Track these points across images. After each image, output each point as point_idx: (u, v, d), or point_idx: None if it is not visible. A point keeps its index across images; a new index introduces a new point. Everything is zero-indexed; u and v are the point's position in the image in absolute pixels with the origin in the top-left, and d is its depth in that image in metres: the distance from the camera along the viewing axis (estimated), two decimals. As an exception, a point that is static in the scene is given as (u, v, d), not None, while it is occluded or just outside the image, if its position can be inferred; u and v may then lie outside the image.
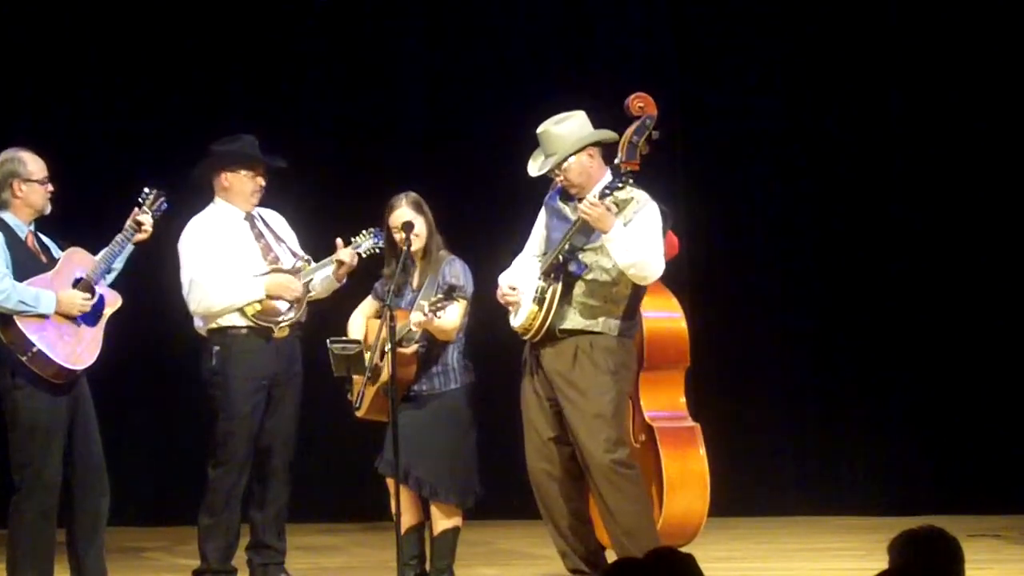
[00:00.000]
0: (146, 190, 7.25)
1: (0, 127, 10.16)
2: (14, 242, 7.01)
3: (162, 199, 7.25)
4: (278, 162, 7.71)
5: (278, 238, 7.70)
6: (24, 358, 6.88)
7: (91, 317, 7.03)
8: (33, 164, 7.08)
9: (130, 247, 7.18)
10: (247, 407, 7.48)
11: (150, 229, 7.19)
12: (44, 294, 6.93)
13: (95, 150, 10.18)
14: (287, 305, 7.50)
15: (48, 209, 7.11)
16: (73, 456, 7.04)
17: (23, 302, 6.89)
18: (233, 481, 7.51)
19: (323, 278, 7.62)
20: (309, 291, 7.59)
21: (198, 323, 7.59)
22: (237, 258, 7.51)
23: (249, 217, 7.64)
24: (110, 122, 10.03)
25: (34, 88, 10.26)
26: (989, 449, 9.76)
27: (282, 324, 7.50)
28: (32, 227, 7.10)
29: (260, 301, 7.46)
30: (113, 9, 10.26)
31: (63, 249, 7.16)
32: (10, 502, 7.04)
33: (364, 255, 7.56)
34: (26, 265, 6.99)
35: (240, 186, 7.61)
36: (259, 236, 7.65)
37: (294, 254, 7.66)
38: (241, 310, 7.46)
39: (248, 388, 7.49)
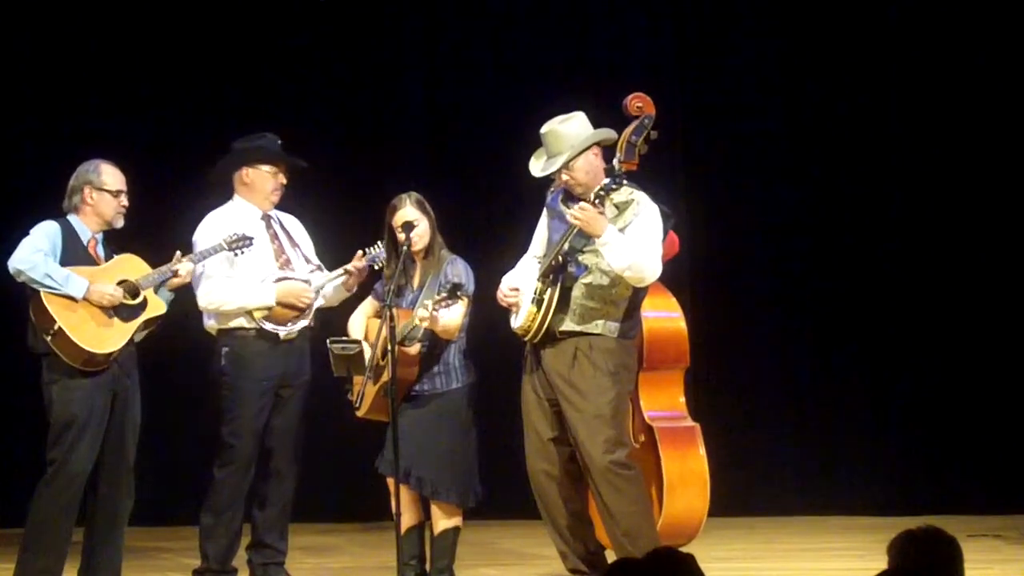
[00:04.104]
0: (234, 232, 7.34)
1: (2, 127, 10.21)
2: (72, 242, 7.04)
3: (247, 242, 7.33)
4: (299, 162, 7.71)
5: (293, 242, 7.69)
6: (48, 337, 6.90)
7: (126, 313, 7.03)
8: (108, 175, 7.15)
9: (165, 291, 7.21)
10: (254, 409, 7.48)
11: (187, 279, 7.24)
12: (75, 278, 6.95)
13: (95, 151, 10.16)
14: (295, 312, 7.51)
15: (119, 223, 7.15)
16: (104, 452, 7.06)
17: (49, 276, 6.90)
18: (238, 482, 7.51)
19: (334, 287, 7.63)
20: (319, 299, 7.60)
21: (208, 321, 7.58)
22: (250, 257, 7.49)
23: (266, 217, 7.63)
24: (109, 123, 10.02)
25: (34, 89, 10.26)
26: (989, 449, 9.76)
27: (288, 330, 7.50)
28: (99, 236, 7.13)
29: (270, 307, 7.47)
30: (112, 9, 10.25)
31: None
32: (35, 488, 7.08)
33: (377, 267, 7.57)
34: (79, 263, 7.01)
35: (261, 183, 7.60)
36: (274, 237, 7.63)
37: (307, 260, 7.67)
38: (250, 312, 7.48)
39: (256, 390, 7.48)
